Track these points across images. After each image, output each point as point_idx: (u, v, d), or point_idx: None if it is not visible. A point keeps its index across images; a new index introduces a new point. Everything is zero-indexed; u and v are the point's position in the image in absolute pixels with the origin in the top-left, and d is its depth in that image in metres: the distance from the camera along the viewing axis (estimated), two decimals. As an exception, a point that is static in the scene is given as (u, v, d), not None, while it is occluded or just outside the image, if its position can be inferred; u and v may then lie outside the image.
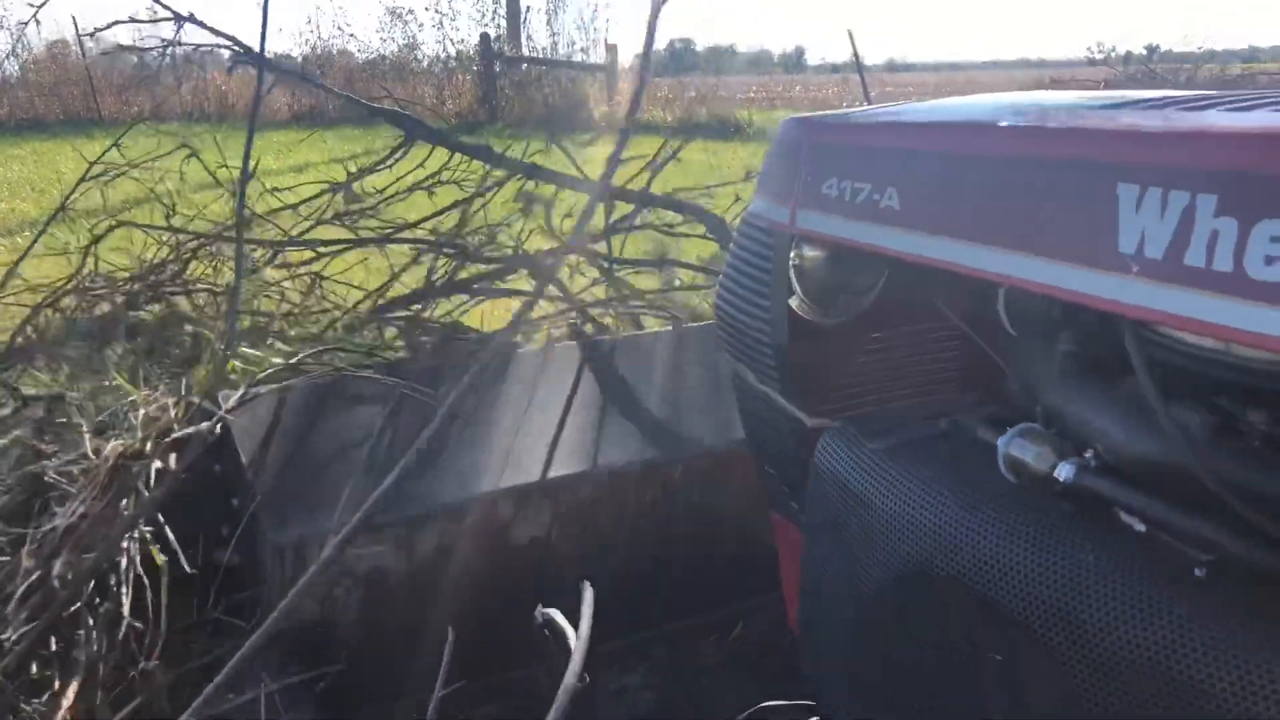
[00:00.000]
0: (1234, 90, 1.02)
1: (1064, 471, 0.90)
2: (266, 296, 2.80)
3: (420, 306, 2.72)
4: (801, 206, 1.13)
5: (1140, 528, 0.88)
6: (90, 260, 2.82)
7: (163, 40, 3.48)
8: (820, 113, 1.19)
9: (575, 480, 1.88)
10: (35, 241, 2.91)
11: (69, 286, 2.72)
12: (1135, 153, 0.81)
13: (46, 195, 7.02)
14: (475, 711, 1.84)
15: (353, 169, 3.05)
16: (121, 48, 3.44)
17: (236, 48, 3.16)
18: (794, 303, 1.25)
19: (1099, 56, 21.10)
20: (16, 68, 14.04)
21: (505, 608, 1.86)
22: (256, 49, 2.61)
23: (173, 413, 1.91)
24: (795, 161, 1.13)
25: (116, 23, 3.65)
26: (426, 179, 2.91)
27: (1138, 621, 0.80)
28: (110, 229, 2.88)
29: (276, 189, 3.10)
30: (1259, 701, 0.72)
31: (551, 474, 1.88)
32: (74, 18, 14.65)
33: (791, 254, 1.21)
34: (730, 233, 2.50)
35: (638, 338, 2.41)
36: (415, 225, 2.88)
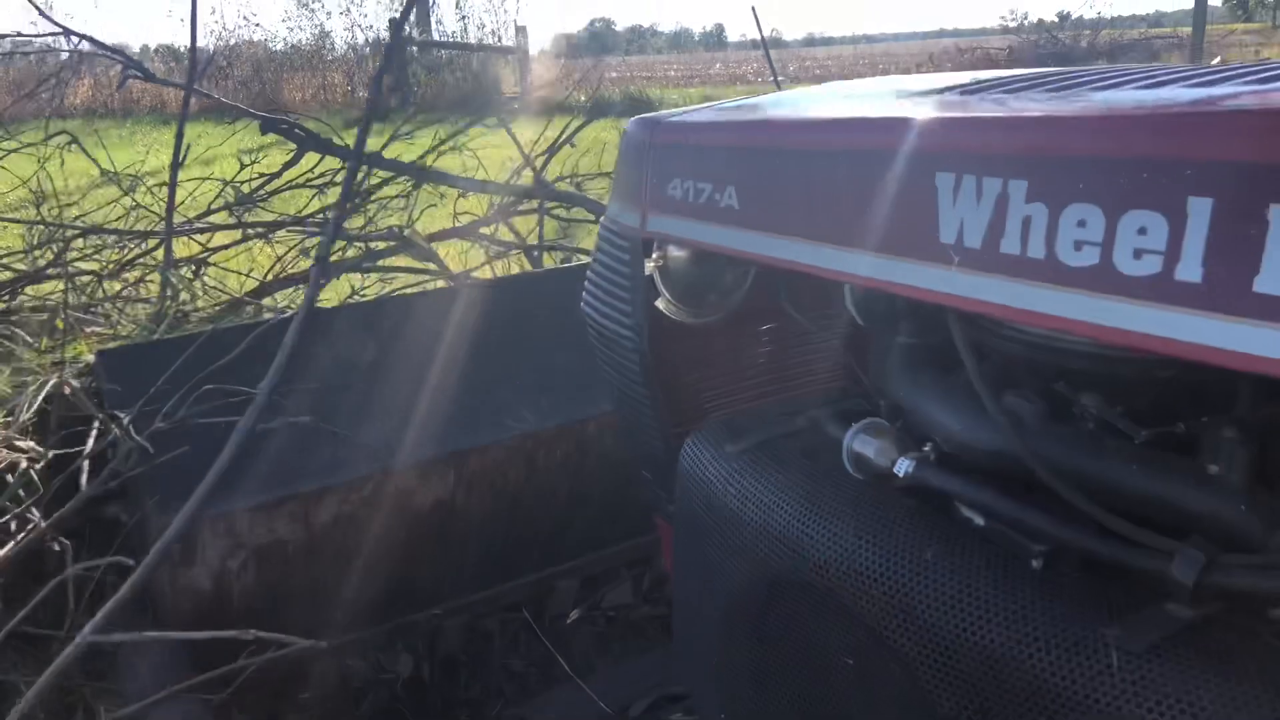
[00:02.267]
0: (1072, 70, 1.02)
1: (903, 467, 0.90)
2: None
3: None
4: (651, 209, 1.11)
5: (980, 521, 0.89)
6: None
7: (49, 46, 3.38)
8: (662, 112, 1.18)
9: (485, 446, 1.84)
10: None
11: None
12: (949, 141, 0.80)
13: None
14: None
15: (248, 161, 3.00)
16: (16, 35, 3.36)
17: (123, 59, 3.09)
18: (661, 304, 1.23)
19: (1012, 24, 21.59)
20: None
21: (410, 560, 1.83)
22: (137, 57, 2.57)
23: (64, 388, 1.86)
24: (641, 164, 1.11)
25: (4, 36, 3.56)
26: (316, 178, 2.86)
27: (976, 617, 0.81)
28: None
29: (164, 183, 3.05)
30: (1092, 688, 0.72)
31: (460, 441, 1.83)
32: (-40, 17, 14.02)
33: (654, 255, 1.19)
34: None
35: (527, 276, 2.31)
36: (304, 219, 2.83)
